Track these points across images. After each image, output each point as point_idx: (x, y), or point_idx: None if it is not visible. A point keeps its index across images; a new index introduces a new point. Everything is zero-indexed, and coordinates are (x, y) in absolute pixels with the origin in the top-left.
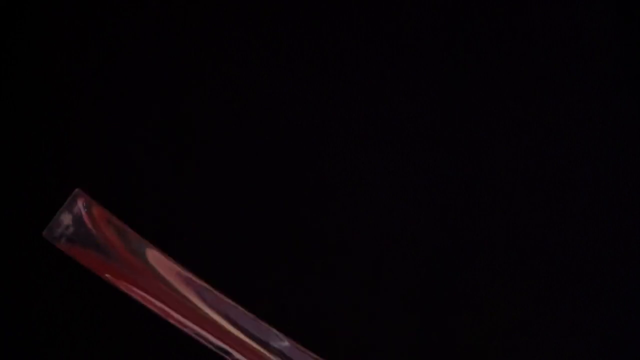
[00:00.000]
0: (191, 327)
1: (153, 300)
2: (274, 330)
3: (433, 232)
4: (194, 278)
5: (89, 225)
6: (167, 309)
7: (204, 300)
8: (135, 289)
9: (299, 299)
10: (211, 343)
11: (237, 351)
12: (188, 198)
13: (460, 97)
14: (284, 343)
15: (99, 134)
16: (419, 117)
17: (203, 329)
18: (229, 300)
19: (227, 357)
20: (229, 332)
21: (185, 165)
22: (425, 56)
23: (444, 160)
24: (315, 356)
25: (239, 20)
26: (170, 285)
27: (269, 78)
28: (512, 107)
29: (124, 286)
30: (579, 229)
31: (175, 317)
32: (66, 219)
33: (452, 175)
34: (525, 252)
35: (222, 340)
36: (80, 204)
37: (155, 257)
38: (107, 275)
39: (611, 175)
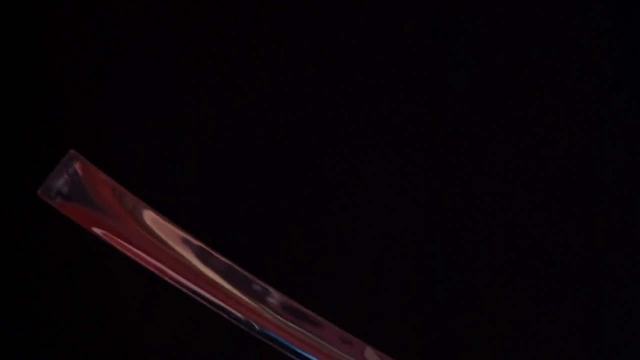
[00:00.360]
0: (187, 284)
1: (149, 258)
2: (270, 288)
3: (433, 232)
4: (190, 238)
5: (85, 185)
6: (163, 267)
7: (200, 258)
8: (131, 247)
9: (299, 299)
10: (207, 300)
11: (234, 309)
12: (188, 198)
13: (460, 97)
14: (279, 299)
15: (99, 134)
16: (419, 117)
17: (199, 286)
18: (224, 259)
19: (224, 314)
20: (225, 289)
21: (185, 165)
22: (425, 56)
23: (444, 160)
24: (310, 312)
25: (239, 20)
26: (167, 244)
27: (269, 78)
28: (512, 107)
29: (119, 244)
30: (579, 229)
31: (171, 275)
32: (61, 178)
33: (452, 175)
34: (525, 252)
35: (218, 297)
36: (75, 165)
37: (151, 217)
38: (102, 233)
39: (611, 175)
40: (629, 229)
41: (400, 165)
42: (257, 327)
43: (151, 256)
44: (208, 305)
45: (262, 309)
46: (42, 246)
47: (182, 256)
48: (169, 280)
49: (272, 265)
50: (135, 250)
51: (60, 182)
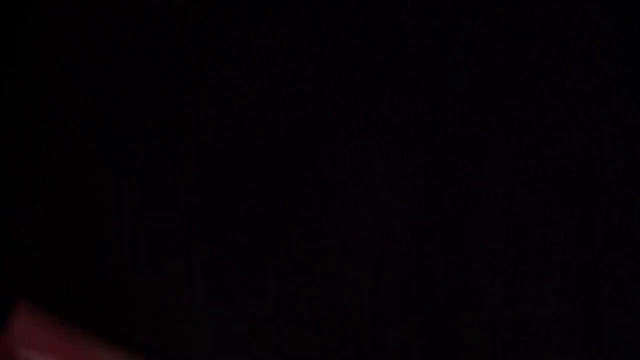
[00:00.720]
0: None
1: None
2: None
3: (433, 232)
4: None
5: (34, 337)
6: None
7: None
8: None
9: (299, 299)
10: None
11: None
12: (188, 198)
13: (460, 97)
14: None
15: (99, 134)
16: (419, 117)
17: None
18: None
19: None
20: None
21: (185, 165)
22: (425, 56)
23: (444, 160)
24: None
25: (239, 20)
26: None
27: (269, 78)
28: (512, 107)
29: None
30: (579, 229)
31: None
32: (9, 339)
33: (452, 175)
34: (525, 252)
35: None
36: (24, 319)
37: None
38: None
39: (611, 175)
40: (629, 229)
41: (400, 165)
42: None
43: None
44: None
45: None
46: (41, 245)
47: None
48: None
49: (272, 265)
50: None
51: (9, 345)
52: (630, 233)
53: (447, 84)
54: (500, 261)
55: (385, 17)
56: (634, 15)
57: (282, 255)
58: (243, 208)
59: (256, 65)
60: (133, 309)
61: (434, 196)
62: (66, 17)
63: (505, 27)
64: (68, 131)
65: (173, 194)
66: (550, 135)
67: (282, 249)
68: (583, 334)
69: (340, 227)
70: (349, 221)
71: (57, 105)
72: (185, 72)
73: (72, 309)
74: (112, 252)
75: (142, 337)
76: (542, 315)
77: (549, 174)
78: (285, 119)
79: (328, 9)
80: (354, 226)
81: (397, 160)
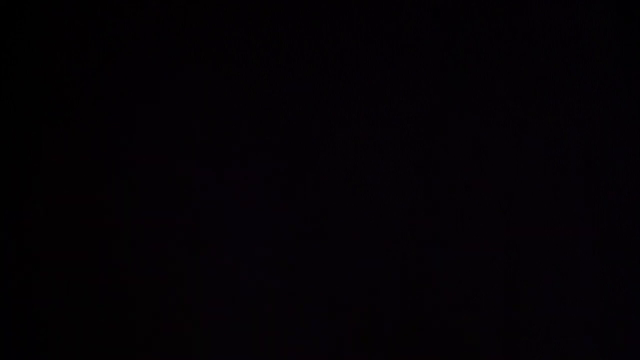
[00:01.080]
0: None
1: None
2: None
3: (433, 232)
4: None
5: None
6: None
7: None
8: None
9: (299, 299)
10: None
11: None
12: (188, 198)
13: (460, 97)
14: None
15: (99, 133)
16: (419, 117)
17: None
18: None
19: None
20: None
21: (185, 166)
22: (425, 56)
23: (444, 160)
24: None
25: (239, 20)
26: None
27: (269, 78)
28: (512, 107)
29: None
30: (579, 229)
31: None
32: None
33: (452, 175)
34: (525, 252)
35: None
36: None
37: None
38: None
39: (611, 175)
40: (629, 229)
41: (400, 165)
42: None
43: None
44: None
45: None
46: (41, 245)
47: None
48: None
49: (273, 265)
50: None
51: None
52: (630, 233)
53: (447, 84)
54: (500, 261)
55: (385, 17)
56: (634, 15)
57: (282, 255)
58: (243, 208)
59: (256, 65)
60: (133, 309)
61: (434, 196)
62: (66, 17)
63: (505, 27)
64: (68, 131)
65: (173, 194)
66: (550, 135)
67: (282, 248)
68: (583, 334)
69: (341, 227)
70: (349, 221)
71: (57, 105)
72: (185, 72)
73: (72, 309)
74: (112, 252)
75: (142, 337)
76: (542, 315)
77: (549, 174)
78: (285, 119)
79: (328, 9)
80: (354, 226)
81: (397, 160)
